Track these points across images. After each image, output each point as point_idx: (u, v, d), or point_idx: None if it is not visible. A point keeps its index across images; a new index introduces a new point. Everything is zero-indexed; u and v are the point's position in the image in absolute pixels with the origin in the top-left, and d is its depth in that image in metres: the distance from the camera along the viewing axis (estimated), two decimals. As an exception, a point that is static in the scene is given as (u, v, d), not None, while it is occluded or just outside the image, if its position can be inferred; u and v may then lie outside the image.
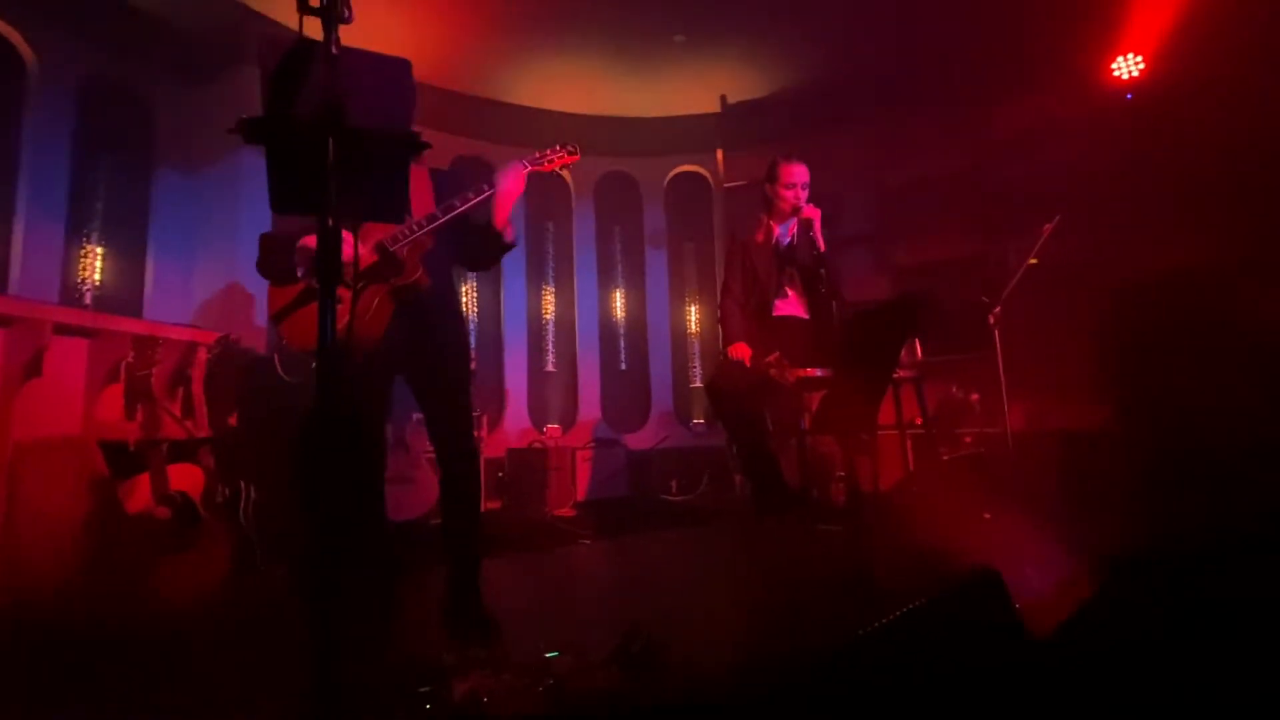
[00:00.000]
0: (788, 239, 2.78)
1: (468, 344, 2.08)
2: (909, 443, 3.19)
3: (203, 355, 2.93)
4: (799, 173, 2.69)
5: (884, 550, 2.26)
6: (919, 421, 2.94)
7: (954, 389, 3.79)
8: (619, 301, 6.01)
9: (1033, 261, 2.99)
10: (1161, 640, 1.10)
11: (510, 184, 1.92)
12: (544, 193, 5.85)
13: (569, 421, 5.60)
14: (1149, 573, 1.31)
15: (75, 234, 3.85)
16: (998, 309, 2.99)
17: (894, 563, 2.13)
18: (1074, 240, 3.25)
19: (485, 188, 1.89)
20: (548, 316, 5.81)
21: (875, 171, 5.05)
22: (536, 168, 2.03)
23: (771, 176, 2.73)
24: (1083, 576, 1.44)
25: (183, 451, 2.41)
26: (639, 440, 5.49)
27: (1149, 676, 0.95)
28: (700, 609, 2.08)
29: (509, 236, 2.00)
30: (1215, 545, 1.46)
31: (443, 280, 1.98)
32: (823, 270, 2.56)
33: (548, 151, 2.06)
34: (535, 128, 5.48)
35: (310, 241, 1.75)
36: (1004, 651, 0.95)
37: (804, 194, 2.67)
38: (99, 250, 3.95)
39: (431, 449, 2.07)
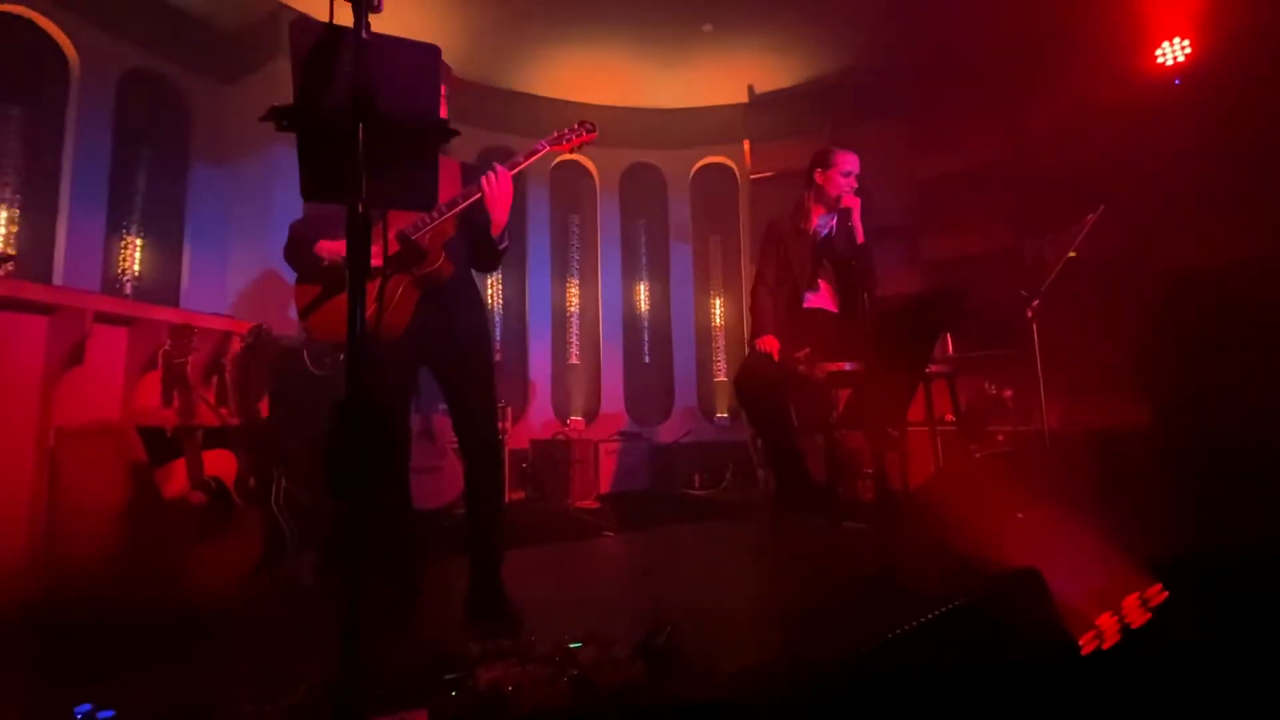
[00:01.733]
0: (826, 230, 2.74)
1: (490, 333, 2.07)
2: (939, 440, 3.12)
3: (237, 344, 2.98)
4: (854, 161, 2.67)
5: (912, 550, 2.21)
6: (950, 418, 2.87)
7: (987, 385, 3.70)
8: (643, 294, 5.99)
9: (1072, 254, 2.89)
10: (1210, 646, 1.06)
11: (496, 190, 1.83)
12: (569, 185, 5.86)
13: (592, 414, 5.61)
14: (1193, 577, 1.26)
15: (116, 226, 3.97)
16: (1036, 303, 2.90)
17: (922, 563, 2.08)
18: (1115, 233, 3.14)
19: (475, 189, 1.84)
20: (572, 309, 5.82)
21: (907, 163, 4.94)
22: (556, 147, 2.02)
23: (826, 162, 2.69)
24: (1122, 581, 1.39)
25: (217, 438, 2.46)
26: (662, 434, 5.48)
27: (1200, 683, 0.91)
28: (724, 604, 2.06)
29: (500, 243, 1.93)
30: (1259, 549, 1.39)
31: (465, 269, 1.99)
32: (854, 262, 2.52)
33: (565, 131, 2.05)
34: (562, 120, 5.44)
35: (323, 248, 1.77)
36: (1048, 657, 0.91)
37: (855, 184, 2.63)
38: (138, 241, 4.07)
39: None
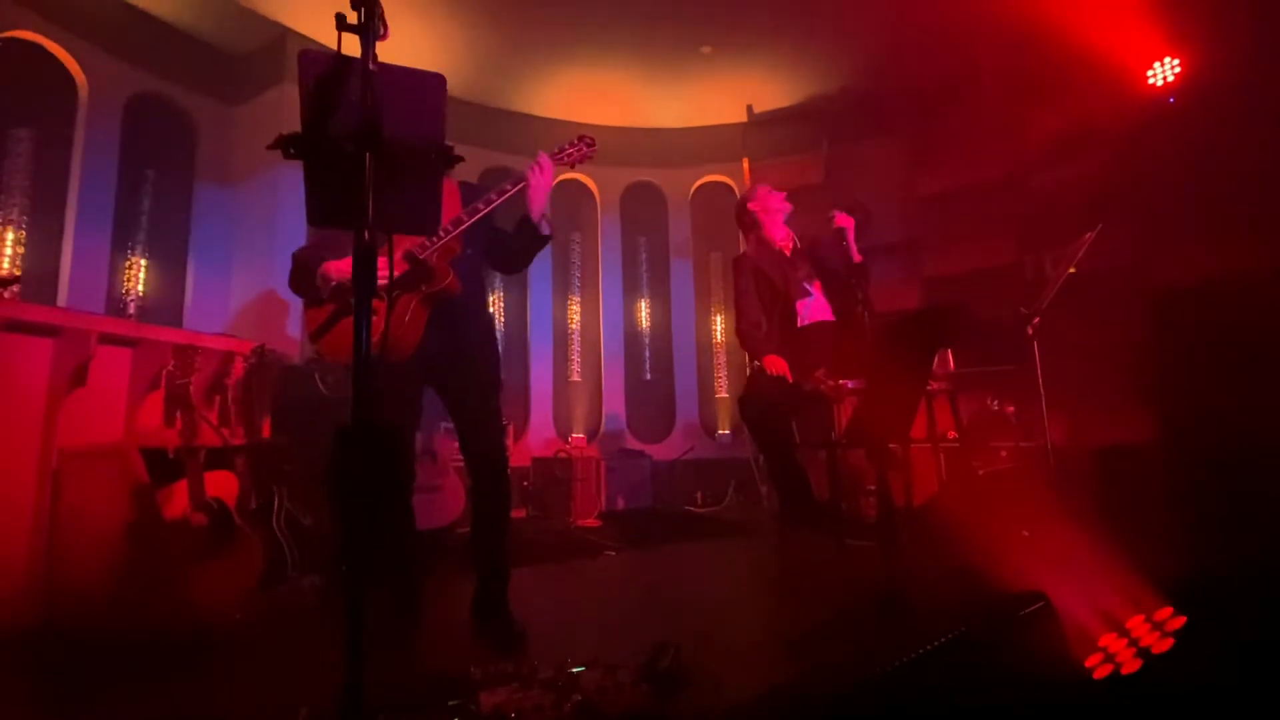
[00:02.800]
0: (792, 242, 2.79)
1: (498, 353, 2.08)
2: (942, 456, 3.11)
3: (239, 364, 2.99)
4: (768, 188, 2.84)
5: (916, 567, 2.20)
6: (952, 435, 2.87)
7: (989, 401, 3.69)
8: (644, 311, 6.01)
9: (1072, 271, 2.90)
10: (1222, 668, 1.04)
11: (539, 176, 1.94)
12: (570, 203, 5.90)
13: (594, 431, 5.60)
14: (1202, 596, 1.25)
15: (120, 247, 3.99)
16: (1036, 320, 2.91)
17: (927, 581, 2.07)
18: (1115, 248, 3.15)
19: (508, 186, 1.92)
20: (573, 326, 5.84)
21: (905, 180, 4.98)
22: (556, 161, 2.06)
23: (751, 197, 2.84)
24: (1132, 602, 1.38)
25: (219, 459, 2.46)
26: (664, 451, 5.46)
27: (1215, 710, 0.90)
28: (729, 625, 2.04)
29: (545, 229, 2.01)
30: (1267, 566, 1.38)
31: (473, 286, 2.00)
32: (854, 280, 2.53)
33: (566, 147, 2.08)
34: (564, 140, 5.53)
35: (330, 268, 1.78)
36: (1058, 687, 0.90)
37: (785, 201, 2.79)
38: (142, 262, 4.10)
39: (459, 457, 2.09)
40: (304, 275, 1.82)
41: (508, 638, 1.78)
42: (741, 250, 2.99)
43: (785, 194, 2.82)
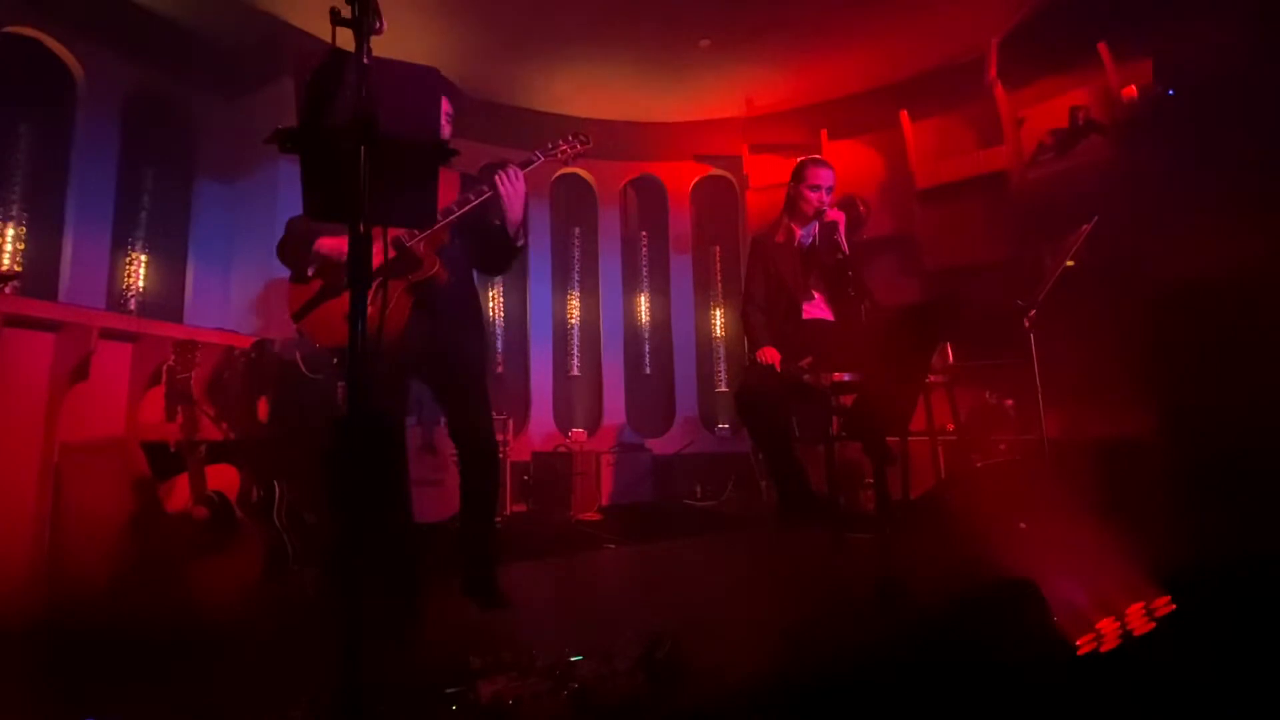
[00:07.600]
0: (809, 240, 2.76)
1: (485, 340, 2.09)
2: (940, 450, 3.12)
3: (239, 358, 3.00)
4: (826, 176, 2.69)
5: (914, 560, 2.21)
6: (950, 428, 2.88)
7: (987, 395, 3.70)
8: (644, 305, 6.01)
9: (1070, 264, 2.90)
10: (1208, 658, 1.06)
11: (507, 185, 1.86)
12: (570, 198, 5.90)
13: (594, 426, 5.61)
14: (1195, 588, 1.26)
15: (121, 242, 4.00)
16: (1033, 312, 2.91)
17: (924, 573, 2.08)
18: (1114, 241, 3.15)
19: (485, 189, 1.87)
20: (573, 321, 5.84)
21: (904, 174, 4.97)
22: (549, 157, 2.04)
23: (798, 177, 2.73)
24: (1127, 591, 1.39)
25: (220, 452, 2.47)
26: (663, 445, 5.47)
27: (1197, 698, 0.91)
28: (725, 616, 2.06)
29: (517, 240, 1.96)
30: (1264, 560, 1.39)
31: (461, 276, 2.00)
32: (850, 273, 2.53)
33: (560, 144, 2.07)
34: (562, 133, 5.52)
35: (323, 245, 1.79)
36: (1042, 668, 0.91)
37: (828, 198, 2.66)
38: (143, 257, 4.10)
39: (459, 452, 2.09)
40: (296, 245, 1.83)
41: (493, 602, 1.80)
42: (759, 233, 2.95)
43: (824, 201, 2.64)
